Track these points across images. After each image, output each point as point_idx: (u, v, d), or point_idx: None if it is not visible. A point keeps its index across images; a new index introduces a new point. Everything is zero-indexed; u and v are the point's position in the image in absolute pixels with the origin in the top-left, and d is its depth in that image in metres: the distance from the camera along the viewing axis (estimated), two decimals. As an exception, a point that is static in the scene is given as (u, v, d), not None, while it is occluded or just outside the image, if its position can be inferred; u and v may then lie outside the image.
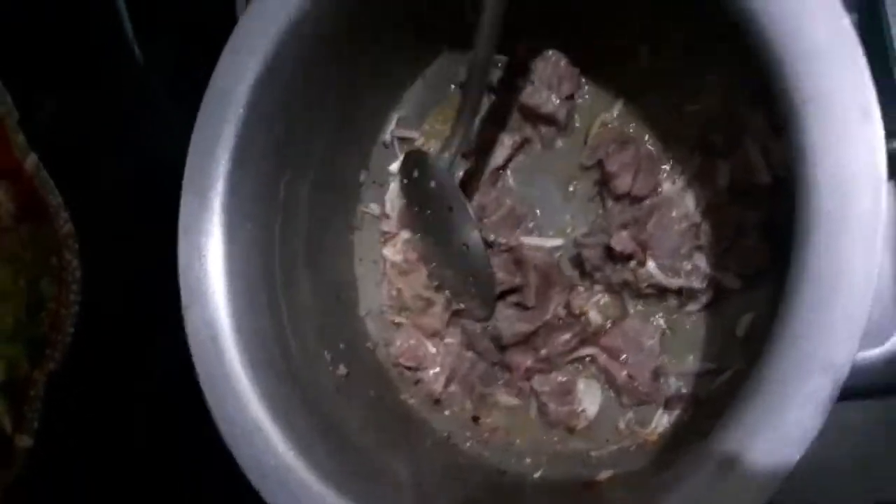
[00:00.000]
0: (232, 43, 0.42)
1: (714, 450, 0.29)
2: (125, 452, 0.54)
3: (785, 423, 0.28)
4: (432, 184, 0.46)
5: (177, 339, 0.43)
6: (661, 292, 0.45)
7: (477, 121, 0.48)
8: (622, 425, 0.46)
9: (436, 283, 0.51)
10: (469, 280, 0.47)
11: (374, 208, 0.55)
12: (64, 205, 0.54)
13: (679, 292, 0.44)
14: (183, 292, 0.42)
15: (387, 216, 0.55)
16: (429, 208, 0.47)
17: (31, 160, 0.52)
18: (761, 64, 0.30)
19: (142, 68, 0.61)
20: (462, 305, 0.50)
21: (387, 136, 0.54)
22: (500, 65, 0.50)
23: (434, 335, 0.50)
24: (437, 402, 0.50)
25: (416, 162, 0.48)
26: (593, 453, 0.46)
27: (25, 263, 0.52)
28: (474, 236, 0.45)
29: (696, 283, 0.43)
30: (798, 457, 0.28)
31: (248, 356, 0.42)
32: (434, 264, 0.50)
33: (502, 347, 0.48)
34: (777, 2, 0.29)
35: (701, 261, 0.43)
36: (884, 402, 0.43)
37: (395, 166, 0.55)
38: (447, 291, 0.50)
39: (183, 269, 0.43)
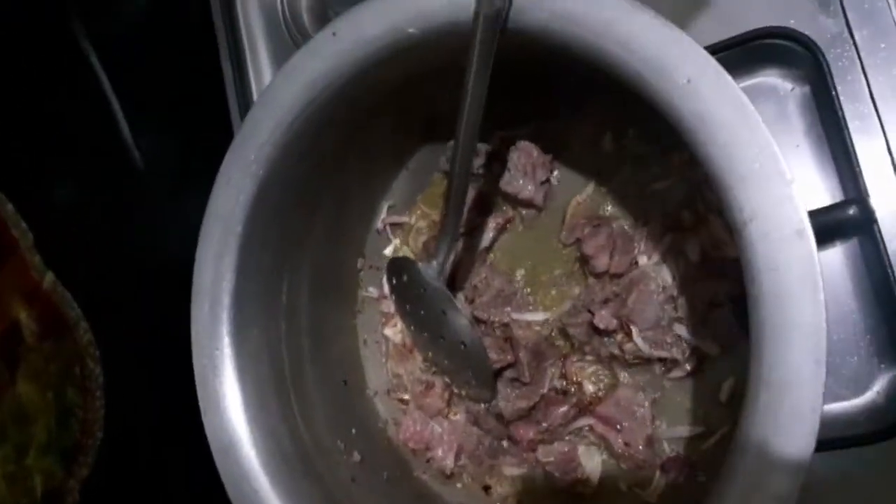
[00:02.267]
0: (224, 170, 0.45)
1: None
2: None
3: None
4: (423, 290, 0.49)
5: (201, 434, 0.46)
6: (647, 361, 0.48)
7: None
8: (624, 488, 0.49)
9: (433, 370, 0.54)
10: (468, 372, 0.50)
11: (373, 291, 0.58)
12: (82, 315, 0.57)
13: (664, 361, 0.47)
14: (201, 402, 0.46)
15: (385, 297, 0.58)
16: (421, 309, 0.50)
17: (48, 279, 0.55)
18: (707, 173, 0.33)
19: (142, 172, 0.65)
20: (462, 392, 0.52)
21: (379, 224, 0.58)
22: (481, 152, 0.53)
23: (438, 414, 0.53)
24: (450, 476, 0.53)
25: (403, 268, 0.51)
26: (599, 517, 0.49)
27: (51, 377, 0.55)
28: (471, 335, 0.48)
29: (678, 353, 0.46)
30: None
31: (265, 457, 0.44)
32: (430, 353, 0.53)
33: (506, 423, 0.51)
34: (708, 130, 0.32)
35: (682, 331, 0.46)
36: (861, 451, 0.45)
37: (389, 250, 0.58)
38: (446, 378, 0.53)
39: (199, 381, 0.46)
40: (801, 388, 0.29)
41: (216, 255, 0.45)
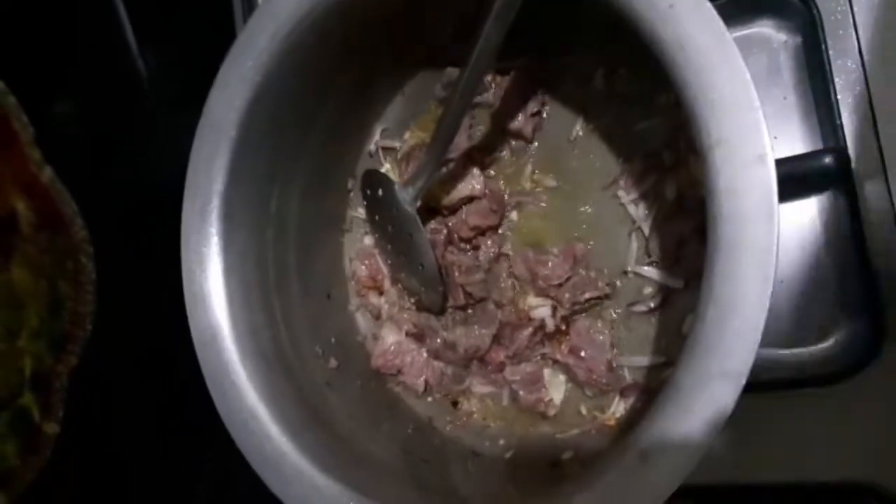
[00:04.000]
0: (222, 75, 0.46)
1: (637, 443, 0.34)
2: (141, 437, 0.60)
3: (693, 422, 0.33)
4: (394, 211, 0.51)
5: (186, 334, 0.48)
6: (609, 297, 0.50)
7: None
8: (584, 411, 0.51)
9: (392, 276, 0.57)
10: (422, 288, 0.53)
11: (361, 212, 0.59)
12: (78, 212, 0.58)
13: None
14: (187, 297, 0.47)
15: (374, 219, 0.59)
16: (390, 225, 0.53)
17: (46, 173, 0.56)
18: (681, 102, 0.35)
19: (146, 82, 0.66)
20: (411, 300, 0.56)
21: (371, 147, 0.59)
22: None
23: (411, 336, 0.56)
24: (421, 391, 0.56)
25: (380, 184, 0.53)
26: (559, 436, 0.51)
27: (44, 267, 0.57)
28: (429, 260, 0.51)
29: (646, 290, 0.48)
30: (705, 449, 0.33)
31: (245, 352, 0.46)
32: (390, 262, 0.57)
33: (467, 357, 0.53)
34: (686, 55, 0.33)
35: (648, 268, 0.48)
36: (822, 390, 0.47)
37: (380, 173, 0.60)
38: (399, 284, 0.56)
39: (186, 277, 0.47)
40: (747, 305, 0.31)
41: (209, 155, 0.47)
